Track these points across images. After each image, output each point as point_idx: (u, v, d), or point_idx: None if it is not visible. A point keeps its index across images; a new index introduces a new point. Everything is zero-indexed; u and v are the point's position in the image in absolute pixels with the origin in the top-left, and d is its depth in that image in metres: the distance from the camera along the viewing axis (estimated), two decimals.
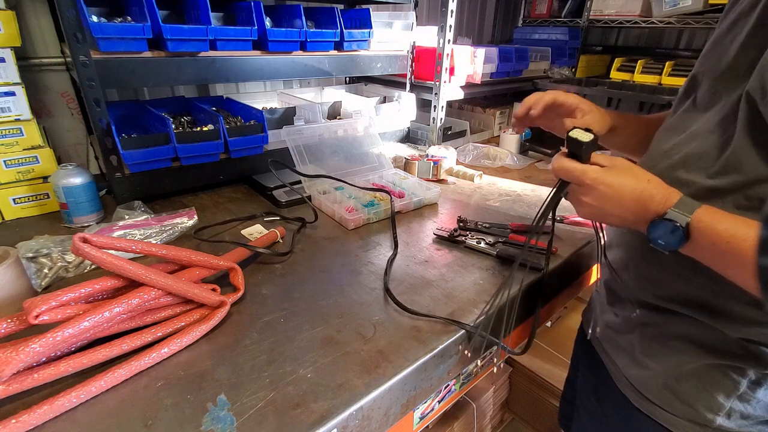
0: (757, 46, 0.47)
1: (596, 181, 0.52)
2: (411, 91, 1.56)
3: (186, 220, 0.89)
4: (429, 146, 1.48)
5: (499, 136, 1.68)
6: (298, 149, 1.08)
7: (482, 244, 0.86)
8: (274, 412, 0.49)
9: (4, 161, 0.88)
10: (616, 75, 1.95)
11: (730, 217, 0.45)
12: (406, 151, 1.50)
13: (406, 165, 1.24)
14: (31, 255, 0.72)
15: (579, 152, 0.55)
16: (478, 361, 0.79)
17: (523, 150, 1.56)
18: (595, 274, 0.99)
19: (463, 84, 1.56)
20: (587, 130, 0.54)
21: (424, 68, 1.50)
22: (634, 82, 1.83)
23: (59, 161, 0.93)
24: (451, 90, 1.51)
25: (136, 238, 0.81)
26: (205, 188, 1.12)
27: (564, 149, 0.57)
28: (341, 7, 1.31)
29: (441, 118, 1.50)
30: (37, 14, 1.04)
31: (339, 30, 1.19)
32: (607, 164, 0.54)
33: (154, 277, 0.58)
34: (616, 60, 1.97)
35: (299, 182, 1.06)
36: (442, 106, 1.48)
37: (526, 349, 0.69)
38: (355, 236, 0.91)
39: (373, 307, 0.68)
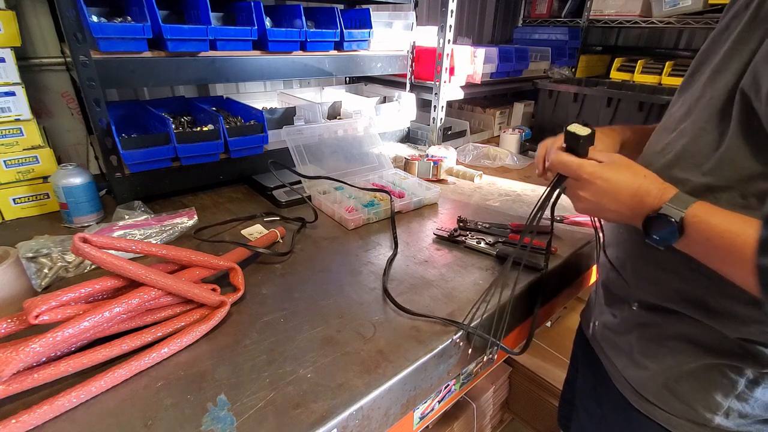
0: (749, 43, 0.47)
1: (593, 175, 0.53)
2: (411, 91, 1.56)
3: (186, 220, 0.89)
4: (429, 146, 1.48)
5: (499, 136, 1.68)
6: (298, 149, 1.08)
7: (482, 244, 0.86)
8: (274, 412, 0.49)
9: (4, 161, 0.88)
10: (616, 75, 1.95)
11: (725, 212, 0.45)
12: (406, 151, 1.50)
13: (406, 165, 1.24)
14: (31, 255, 0.72)
15: (576, 146, 0.56)
16: (473, 365, 0.79)
17: (523, 150, 1.56)
18: (595, 274, 0.99)
19: (463, 84, 1.56)
20: (585, 125, 0.54)
21: (424, 68, 1.50)
22: (634, 82, 1.83)
23: (59, 161, 0.93)
24: (451, 90, 1.51)
25: (136, 238, 0.82)
26: (205, 188, 1.12)
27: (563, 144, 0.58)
28: (341, 7, 1.31)
29: (441, 118, 1.50)
30: (37, 14, 1.04)
31: (339, 30, 1.19)
32: (605, 159, 0.54)
33: (154, 277, 0.58)
34: (616, 60, 1.97)
35: (299, 182, 1.06)
36: (442, 106, 1.48)
37: (524, 348, 0.69)
38: (355, 236, 0.91)
39: (373, 307, 0.68)
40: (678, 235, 0.47)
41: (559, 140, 0.62)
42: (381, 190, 1.04)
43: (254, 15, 1.04)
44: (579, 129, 0.54)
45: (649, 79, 1.81)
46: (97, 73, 0.85)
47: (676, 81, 1.71)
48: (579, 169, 0.54)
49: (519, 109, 1.86)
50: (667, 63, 1.76)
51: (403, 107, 1.49)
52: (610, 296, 0.68)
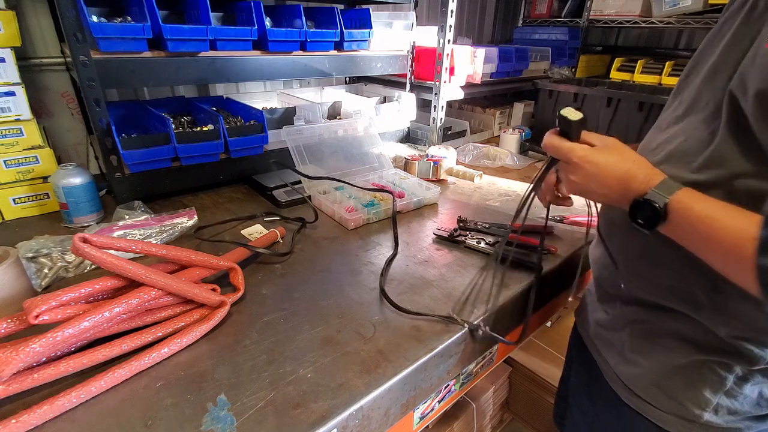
0: (741, 45, 0.48)
1: (583, 159, 0.54)
2: (411, 91, 1.56)
3: (186, 220, 0.89)
4: (429, 146, 1.48)
5: (499, 136, 1.68)
6: (298, 149, 1.08)
7: (482, 244, 0.86)
8: (274, 412, 0.49)
9: (4, 161, 0.88)
10: (616, 75, 1.95)
11: (709, 199, 0.46)
12: (406, 151, 1.50)
13: (406, 165, 1.24)
14: (31, 255, 0.72)
15: (569, 130, 0.57)
16: (473, 365, 0.79)
17: (523, 150, 1.56)
18: None
19: (463, 84, 1.56)
20: (578, 110, 0.56)
21: (424, 68, 1.50)
22: (634, 82, 1.83)
23: (59, 161, 0.93)
24: (451, 90, 1.51)
25: (136, 238, 0.82)
26: (205, 188, 1.12)
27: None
28: (341, 7, 1.31)
29: (441, 118, 1.50)
30: (37, 14, 1.04)
31: (339, 30, 1.19)
32: (597, 143, 0.55)
33: (154, 277, 0.58)
34: (616, 60, 1.97)
35: (299, 182, 1.06)
36: (442, 106, 1.48)
37: (520, 339, 0.68)
38: (355, 236, 0.91)
39: (373, 307, 0.68)
40: (662, 220, 0.48)
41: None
42: (383, 190, 1.04)
43: (254, 15, 1.04)
44: (571, 113, 0.55)
45: (649, 79, 1.81)
46: (97, 73, 0.85)
47: (676, 81, 1.70)
48: (569, 152, 0.55)
49: (519, 109, 1.86)
50: (667, 63, 1.76)
51: (403, 107, 1.49)
52: (603, 293, 0.69)
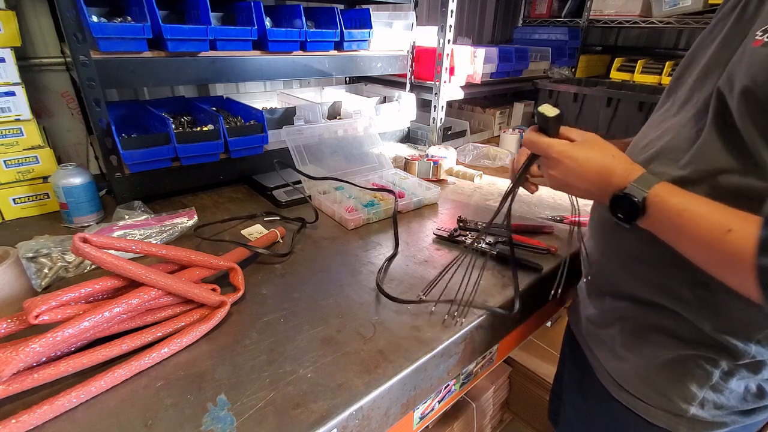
0: (731, 46, 0.49)
1: (562, 154, 0.55)
2: (411, 91, 1.56)
3: (186, 220, 0.89)
4: (429, 146, 1.48)
5: (499, 136, 1.68)
6: (298, 149, 1.08)
7: (482, 244, 0.86)
8: (274, 412, 0.49)
9: (4, 161, 0.88)
10: (616, 75, 1.95)
11: (686, 193, 0.47)
12: (406, 151, 1.50)
13: (406, 165, 1.24)
14: (31, 255, 0.72)
15: (546, 127, 0.58)
16: (473, 365, 0.79)
17: None
18: None
19: (463, 84, 1.56)
20: (556, 106, 0.56)
21: (424, 68, 1.50)
22: (634, 82, 1.83)
23: (59, 161, 0.93)
24: (451, 90, 1.51)
25: (136, 238, 0.82)
26: (205, 188, 1.12)
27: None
28: (341, 7, 1.31)
29: (441, 118, 1.50)
30: (37, 14, 1.04)
31: (339, 30, 1.19)
32: (577, 139, 0.56)
33: (154, 277, 0.58)
34: (616, 60, 1.97)
35: (299, 182, 1.06)
36: (442, 106, 1.48)
37: (513, 308, 0.69)
38: (355, 236, 0.91)
39: (373, 307, 0.68)
40: (641, 214, 0.49)
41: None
42: (384, 189, 1.04)
43: (254, 15, 1.04)
44: (548, 110, 0.56)
45: (649, 79, 1.81)
46: (97, 73, 0.85)
47: None
48: (548, 148, 0.56)
49: (519, 109, 1.86)
50: (667, 63, 1.76)
51: (403, 107, 1.49)
52: (592, 290, 0.70)
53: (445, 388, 0.76)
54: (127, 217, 0.87)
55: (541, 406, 1.50)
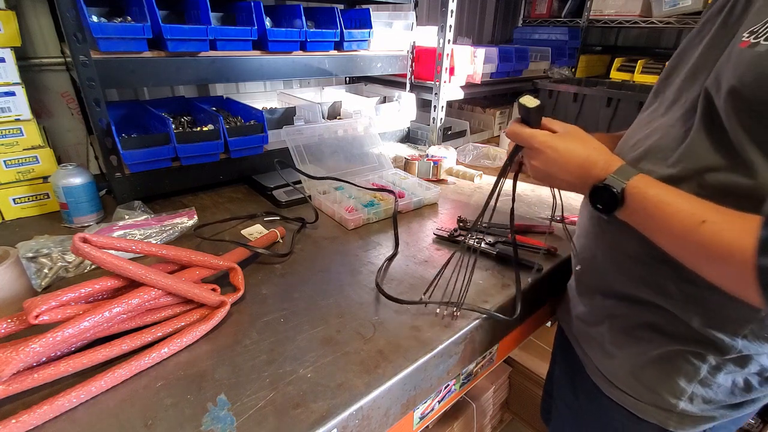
0: (719, 46, 0.50)
1: (544, 144, 0.56)
2: (411, 91, 1.56)
3: (186, 220, 0.89)
4: (429, 146, 1.48)
5: (499, 136, 1.68)
6: (298, 149, 1.08)
7: (482, 244, 0.86)
8: (274, 412, 0.49)
9: (4, 161, 0.88)
10: (616, 75, 1.95)
11: (663, 186, 0.48)
12: (406, 151, 1.50)
13: (406, 165, 1.24)
14: (31, 255, 0.72)
15: (528, 118, 0.59)
16: (473, 365, 0.79)
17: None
18: None
19: (463, 84, 1.56)
20: (537, 97, 0.57)
21: (424, 68, 1.50)
22: (634, 82, 1.83)
23: (59, 161, 0.93)
24: (451, 90, 1.51)
25: (136, 238, 0.82)
26: (205, 188, 1.12)
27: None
28: (341, 7, 1.31)
29: (441, 118, 1.50)
30: (37, 14, 1.04)
31: (339, 30, 1.19)
32: (559, 130, 0.57)
33: (154, 277, 0.58)
34: (616, 60, 1.97)
35: (299, 182, 1.06)
36: (442, 106, 1.48)
37: (515, 313, 0.69)
38: (355, 236, 0.91)
39: (373, 307, 0.68)
40: (619, 205, 0.50)
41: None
42: (384, 189, 1.04)
43: (254, 15, 1.04)
44: (529, 101, 0.57)
45: (649, 79, 1.81)
46: (97, 73, 0.85)
47: None
48: (530, 138, 0.57)
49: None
50: (666, 63, 1.75)
51: (403, 107, 1.49)
52: (581, 287, 0.70)
53: (445, 388, 0.76)
54: (127, 217, 0.87)
55: None
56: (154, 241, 0.82)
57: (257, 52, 1.09)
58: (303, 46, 1.15)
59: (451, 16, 1.35)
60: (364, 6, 1.44)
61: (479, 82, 1.60)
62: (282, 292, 0.71)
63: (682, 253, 0.47)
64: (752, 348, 0.52)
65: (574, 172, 0.55)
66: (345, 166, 1.16)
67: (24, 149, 0.90)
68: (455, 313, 0.66)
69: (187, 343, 0.58)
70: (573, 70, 2.10)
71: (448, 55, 1.41)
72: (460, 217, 0.95)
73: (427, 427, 1.26)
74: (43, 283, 0.70)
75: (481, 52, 1.55)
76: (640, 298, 0.58)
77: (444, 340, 0.61)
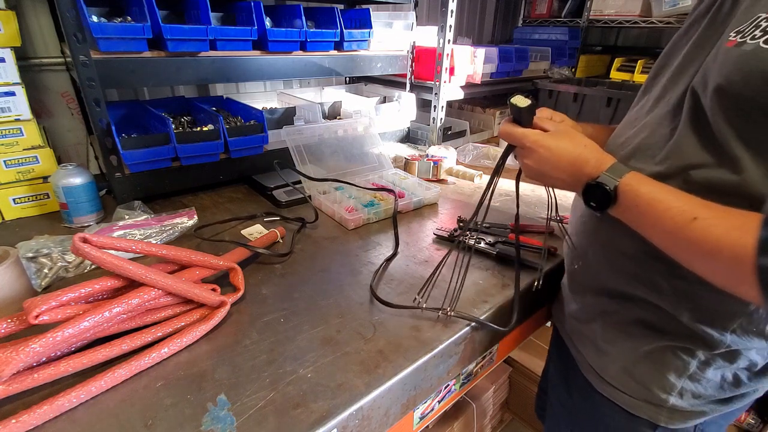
0: (705, 46, 0.51)
1: (536, 143, 0.56)
2: (411, 91, 1.56)
3: (186, 220, 0.89)
4: (429, 146, 1.48)
5: (498, 136, 1.68)
6: (298, 149, 1.08)
7: (482, 244, 0.86)
8: (274, 412, 0.49)
9: (4, 161, 0.88)
10: (616, 75, 1.95)
11: (654, 183, 0.49)
12: (406, 151, 1.50)
13: (406, 165, 1.24)
14: (31, 255, 0.72)
15: (519, 117, 0.59)
16: (473, 365, 0.79)
17: None
18: None
19: (463, 84, 1.56)
20: (527, 97, 0.57)
21: (424, 68, 1.50)
22: (634, 82, 1.83)
23: (59, 161, 0.93)
24: (451, 90, 1.51)
25: (136, 238, 0.82)
26: (205, 188, 1.12)
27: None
28: (341, 7, 1.31)
29: (441, 118, 1.50)
30: (37, 14, 1.04)
31: (339, 30, 1.19)
32: (551, 129, 0.58)
33: (154, 277, 0.58)
34: (616, 60, 1.97)
35: (299, 182, 1.06)
36: (442, 106, 1.48)
37: (513, 325, 0.69)
38: (355, 236, 0.91)
39: (373, 307, 0.68)
40: (612, 203, 0.51)
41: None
42: (384, 189, 1.04)
43: (254, 15, 1.04)
44: (520, 101, 0.57)
45: None
46: (97, 73, 0.85)
47: None
48: (522, 138, 0.58)
49: None
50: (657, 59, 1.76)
51: (403, 107, 1.49)
52: (574, 285, 0.71)
53: (445, 388, 0.76)
54: (127, 217, 0.87)
55: None
56: (154, 241, 0.82)
57: (257, 52, 1.09)
58: (303, 46, 1.15)
59: (451, 16, 1.35)
60: (364, 6, 1.44)
61: (479, 82, 1.60)
62: (282, 292, 0.71)
63: (674, 249, 0.47)
64: (741, 343, 0.52)
65: (566, 170, 0.55)
66: (345, 166, 1.16)
67: (24, 149, 0.90)
68: (449, 313, 0.65)
69: (187, 343, 0.58)
70: (573, 70, 2.10)
71: (448, 55, 1.41)
72: (460, 217, 0.95)
73: (427, 427, 1.26)
74: (43, 283, 0.70)
75: (481, 52, 1.55)
76: (632, 294, 0.58)
77: (444, 340, 0.61)
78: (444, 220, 1.00)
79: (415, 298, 0.69)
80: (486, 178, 1.28)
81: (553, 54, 2.01)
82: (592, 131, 0.71)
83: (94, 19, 0.93)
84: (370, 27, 1.27)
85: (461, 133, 1.66)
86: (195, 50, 0.97)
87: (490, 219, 0.97)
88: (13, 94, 0.86)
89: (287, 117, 1.20)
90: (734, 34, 0.46)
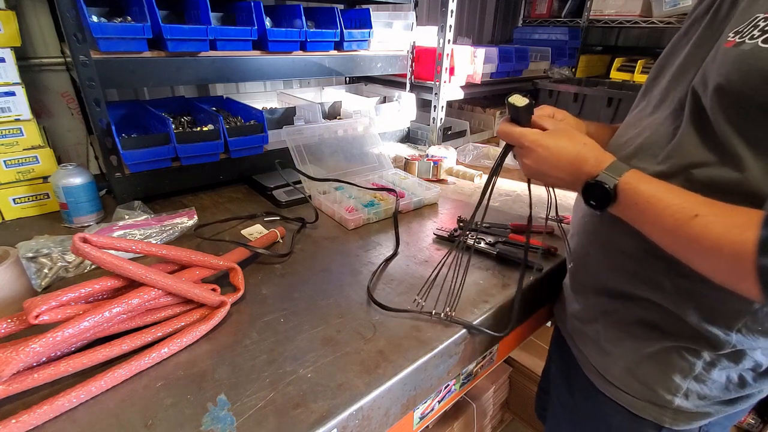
0: (705, 47, 0.51)
1: (534, 143, 0.56)
2: (411, 91, 1.56)
3: (186, 220, 0.89)
4: (429, 146, 1.48)
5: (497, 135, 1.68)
6: (298, 149, 1.08)
7: (482, 244, 0.86)
8: (274, 412, 0.49)
9: (4, 161, 0.88)
10: (616, 75, 1.95)
11: (654, 181, 0.49)
12: (406, 151, 1.50)
13: (406, 165, 1.24)
14: (31, 255, 0.72)
15: (517, 116, 0.59)
16: (473, 365, 0.79)
17: None
18: None
19: (463, 84, 1.56)
20: (525, 96, 0.57)
21: (424, 68, 1.50)
22: (634, 82, 1.83)
23: (59, 161, 0.93)
24: (451, 90, 1.50)
25: (136, 238, 0.81)
26: (205, 188, 1.12)
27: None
28: (341, 7, 1.31)
29: (441, 118, 1.50)
30: (37, 14, 1.04)
31: (339, 30, 1.19)
32: (549, 127, 0.57)
33: (154, 277, 0.58)
34: (616, 60, 1.97)
35: (299, 182, 1.06)
36: (442, 106, 1.48)
37: (508, 330, 0.68)
38: (355, 236, 0.91)
39: (373, 307, 0.68)
40: (612, 201, 0.51)
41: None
42: (384, 189, 1.04)
43: (254, 15, 1.04)
44: (518, 100, 0.57)
45: None
46: (97, 73, 0.85)
47: None
48: (521, 137, 0.58)
49: None
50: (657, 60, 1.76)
51: (403, 107, 1.49)
52: (576, 285, 0.71)
53: (445, 388, 0.76)
54: (127, 217, 0.87)
55: None
56: (154, 241, 0.82)
57: (257, 52, 1.09)
58: (303, 46, 1.15)
59: (451, 16, 1.35)
60: (364, 6, 1.44)
61: (479, 82, 1.60)
62: (282, 292, 0.71)
63: (674, 247, 0.47)
64: (746, 343, 0.52)
65: (565, 169, 0.55)
66: (345, 166, 1.16)
67: (24, 149, 0.90)
68: (442, 317, 0.65)
69: (187, 343, 0.58)
70: (573, 70, 2.10)
71: (448, 55, 1.41)
72: (460, 217, 0.95)
73: (427, 427, 1.25)
74: (43, 283, 0.70)
75: (481, 52, 1.55)
76: (634, 294, 0.58)
77: (444, 340, 0.61)
78: (444, 220, 1.00)
79: (415, 299, 0.69)
80: (486, 178, 1.28)
81: (553, 54, 2.01)
82: (594, 129, 0.71)
83: (94, 19, 0.93)
84: (370, 27, 1.27)
85: (461, 133, 1.66)
86: (195, 50, 0.97)
87: (489, 219, 0.97)
88: (13, 94, 0.86)
89: (287, 117, 1.20)
90: (733, 35, 0.46)
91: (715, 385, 0.56)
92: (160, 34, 0.91)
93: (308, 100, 1.37)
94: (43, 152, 0.91)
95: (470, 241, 0.82)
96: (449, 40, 1.38)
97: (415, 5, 1.49)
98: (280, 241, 0.86)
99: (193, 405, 0.49)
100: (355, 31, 1.23)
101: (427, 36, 1.47)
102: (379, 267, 0.78)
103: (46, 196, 0.94)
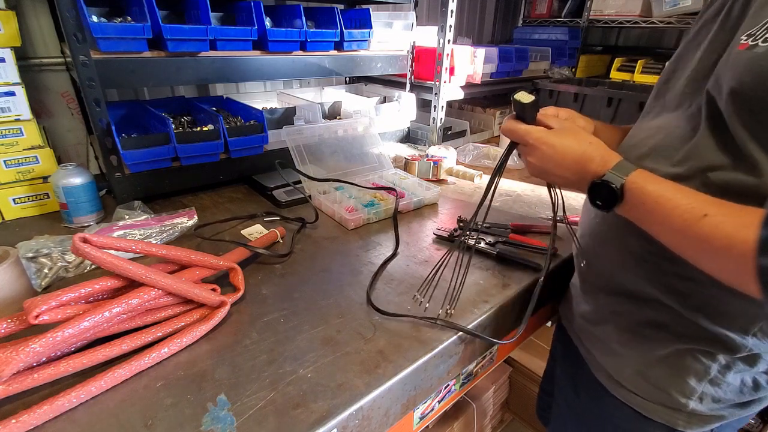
0: (718, 50, 0.51)
1: (539, 141, 0.56)
2: (411, 91, 1.56)
3: (186, 220, 0.89)
4: (429, 146, 1.48)
5: (499, 136, 1.68)
6: (298, 149, 1.08)
7: (482, 244, 0.86)
8: (274, 412, 0.49)
9: (4, 161, 0.88)
10: (616, 75, 1.95)
11: (661, 180, 0.48)
12: (406, 151, 1.50)
13: (406, 165, 1.24)
14: (31, 255, 0.72)
15: (523, 114, 0.59)
16: (473, 365, 0.79)
17: None
18: None
19: (463, 84, 1.56)
20: (531, 93, 0.57)
21: (424, 68, 1.50)
22: (634, 82, 1.83)
23: (59, 161, 0.93)
24: (451, 90, 1.50)
25: (136, 238, 0.81)
26: (205, 188, 1.12)
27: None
28: (341, 7, 1.31)
29: (441, 118, 1.50)
30: (37, 14, 1.04)
31: (339, 30, 1.19)
32: (555, 126, 0.57)
33: (154, 277, 0.58)
34: (616, 60, 1.97)
35: (299, 182, 1.06)
36: (442, 106, 1.48)
37: (509, 326, 0.68)
38: (355, 236, 0.91)
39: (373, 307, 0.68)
40: (619, 201, 0.50)
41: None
42: (384, 188, 1.04)
43: (254, 15, 1.04)
44: (524, 97, 0.57)
45: (650, 79, 1.80)
46: (97, 73, 0.85)
47: None
48: (525, 135, 0.57)
49: None
50: (667, 63, 1.76)
51: (403, 107, 1.49)
52: (586, 286, 0.70)
53: (445, 388, 0.76)
54: (127, 217, 0.87)
55: None
56: (154, 241, 0.82)
57: (257, 52, 1.09)
58: (303, 46, 1.15)
59: (451, 16, 1.35)
60: (364, 6, 1.44)
61: (479, 82, 1.60)
62: (282, 292, 0.71)
63: (682, 247, 0.47)
64: (762, 346, 0.52)
65: (570, 167, 0.54)
66: (345, 166, 1.16)
67: (24, 149, 0.90)
68: (450, 312, 0.65)
69: (187, 343, 0.58)
70: (573, 70, 2.10)
71: (448, 55, 1.41)
72: (460, 217, 0.95)
73: (427, 427, 1.26)
74: (43, 283, 0.70)
75: (481, 52, 1.55)
76: (644, 295, 0.58)
77: (444, 340, 0.61)
78: (444, 220, 1.00)
79: (415, 296, 0.69)
80: (486, 178, 1.29)
81: (553, 54, 2.01)
82: (603, 129, 0.71)
83: (94, 19, 0.93)
84: (370, 27, 1.27)
85: (461, 133, 1.66)
86: (195, 50, 0.97)
87: (490, 219, 0.97)
88: (13, 94, 0.86)
89: (287, 117, 1.20)
90: (745, 38, 0.45)
91: (729, 388, 0.55)
92: (160, 34, 0.91)
93: (308, 100, 1.37)
94: (43, 152, 0.91)
95: (471, 241, 0.82)
96: (449, 40, 1.38)
97: (415, 5, 1.49)
98: (280, 241, 0.86)
99: (193, 405, 0.49)
100: (355, 31, 1.23)
101: (427, 36, 1.47)
102: (377, 270, 0.78)
103: (46, 196, 0.94)
